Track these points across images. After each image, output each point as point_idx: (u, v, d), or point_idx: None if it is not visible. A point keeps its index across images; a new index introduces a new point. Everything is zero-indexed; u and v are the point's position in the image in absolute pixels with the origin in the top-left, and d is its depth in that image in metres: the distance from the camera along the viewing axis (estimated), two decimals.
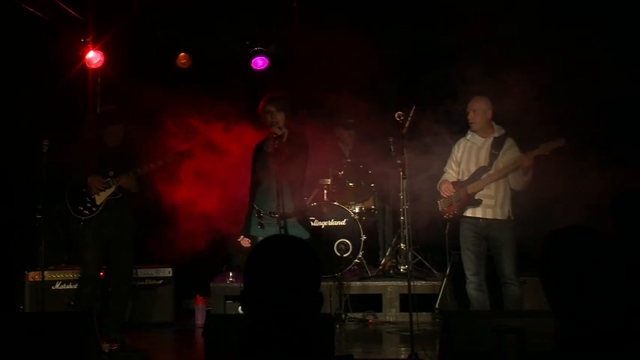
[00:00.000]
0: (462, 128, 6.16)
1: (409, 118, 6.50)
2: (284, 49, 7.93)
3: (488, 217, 5.66)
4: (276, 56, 7.96)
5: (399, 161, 6.61)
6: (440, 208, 5.90)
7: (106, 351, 5.45)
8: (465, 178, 5.77)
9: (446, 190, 5.81)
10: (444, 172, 5.95)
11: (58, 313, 5.99)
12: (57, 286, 6.59)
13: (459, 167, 5.86)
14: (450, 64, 6.68)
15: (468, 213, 5.71)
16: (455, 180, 5.85)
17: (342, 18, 7.12)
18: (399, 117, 6.21)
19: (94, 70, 7.53)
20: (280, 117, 5.33)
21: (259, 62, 7.93)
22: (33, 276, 6.47)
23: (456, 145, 5.92)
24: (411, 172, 6.12)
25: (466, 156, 5.82)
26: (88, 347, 4.23)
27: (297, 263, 1.88)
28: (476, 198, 5.67)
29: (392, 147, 7.28)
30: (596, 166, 5.98)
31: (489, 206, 5.64)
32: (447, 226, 6.10)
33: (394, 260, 7.42)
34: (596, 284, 1.87)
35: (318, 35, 7.11)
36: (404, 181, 6.09)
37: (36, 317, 5.17)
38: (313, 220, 7.06)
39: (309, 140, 5.54)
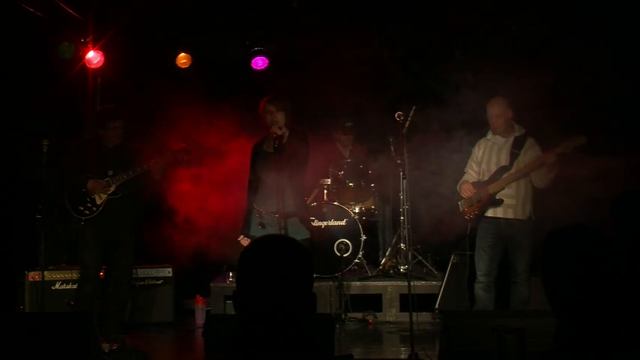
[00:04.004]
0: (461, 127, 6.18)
1: (409, 118, 6.50)
2: (284, 49, 7.93)
3: (509, 216, 5.63)
4: (276, 56, 7.96)
5: (399, 161, 6.62)
6: (461, 209, 5.88)
7: (106, 351, 5.45)
8: (486, 178, 5.75)
9: (466, 191, 5.78)
10: (465, 173, 5.92)
11: (58, 313, 5.98)
12: (57, 286, 6.58)
13: (480, 167, 5.82)
14: (449, 64, 6.71)
15: (489, 213, 5.69)
16: (475, 180, 5.82)
17: (341, 18, 7.13)
18: (399, 117, 6.22)
19: (94, 70, 7.52)
20: (280, 117, 5.34)
21: (259, 62, 7.92)
22: (33, 276, 6.47)
23: (477, 146, 5.90)
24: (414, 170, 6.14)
25: (487, 156, 5.79)
26: (88, 347, 4.23)
27: (290, 263, 1.88)
28: (497, 198, 5.64)
29: (392, 147, 7.28)
30: (599, 166, 5.98)
31: (510, 206, 5.62)
32: (469, 227, 6.08)
33: (394, 260, 7.42)
34: (596, 283, 1.86)
35: (317, 35, 7.12)
36: (404, 181, 6.09)
37: (36, 317, 5.17)
38: (313, 220, 7.05)
39: (309, 140, 5.55)
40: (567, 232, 1.96)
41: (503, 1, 6.90)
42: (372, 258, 7.77)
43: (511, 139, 5.72)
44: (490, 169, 5.75)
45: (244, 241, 5.46)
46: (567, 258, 1.90)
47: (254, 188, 5.51)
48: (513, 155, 5.66)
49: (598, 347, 1.82)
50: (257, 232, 5.35)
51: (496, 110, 5.69)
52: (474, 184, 5.79)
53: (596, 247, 1.91)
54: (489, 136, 5.82)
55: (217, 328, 4.40)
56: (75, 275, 6.36)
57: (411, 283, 5.49)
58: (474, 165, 5.88)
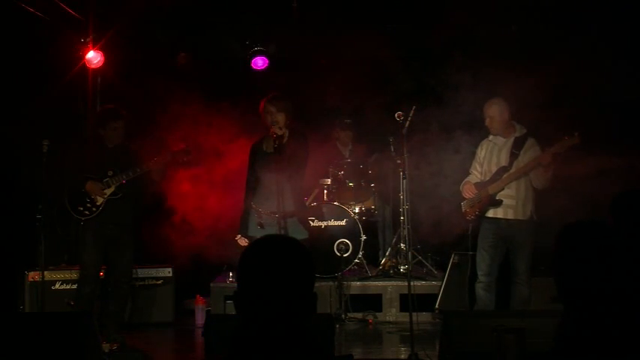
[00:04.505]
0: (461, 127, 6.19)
1: (409, 118, 6.51)
2: (284, 49, 7.93)
3: (509, 217, 5.63)
4: (276, 56, 7.96)
5: (399, 161, 6.63)
6: (463, 210, 5.88)
7: (106, 351, 5.45)
8: (488, 178, 5.76)
9: (467, 192, 5.79)
10: (469, 174, 5.93)
11: (58, 313, 5.98)
12: (57, 286, 6.59)
13: (482, 168, 5.84)
14: (449, 64, 6.70)
15: (490, 214, 5.69)
16: (478, 181, 5.83)
17: (341, 18, 7.14)
18: (399, 117, 6.23)
19: (94, 70, 7.52)
20: (280, 117, 5.33)
21: (259, 62, 7.92)
22: (33, 276, 6.47)
23: (480, 147, 5.90)
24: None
25: (488, 157, 5.80)
26: (88, 347, 4.23)
27: (290, 263, 1.88)
28: (497, 198, 5.64)
29: (392, 147, 7.29)
30: (599, 165, 5.98)
31: (510, 206, 5.62)
32: (470, 227, 6.07)
33: (394, 260, 7.42)
34: (608, 278, 1.86)
35: (317, 35, 7.12)
36: (404, 181, 6.08)
37: (36, 317, 5.17)
38: (313, 220, 7.06)
39: (309, 140, 5.55)
40: (580, 226, 1.96)
41: (503, 1, 6.91)
42: (372, 258, 7.76)
43: (511, 140, 5.72)
44: (491, 170, 5.75)
45: (242, 241, 5.46)
46: (580, 252, 1.90)
47: (252, 188, 5.51)
48: (513, 155, 5.66)
49: (601, 347, 1.81)
50: (256, 232, 5.35)
51: (489, 112, 5.71)
52: (475, 184, 5.79)
53: (610, 241, 1.91)
54: (491, 137, 5.83)
55: (217, 328, 4.41)
56: (75, 275, 6.36)
57: (411, 283, 5.49)
58: (477, 166, 5.89)
